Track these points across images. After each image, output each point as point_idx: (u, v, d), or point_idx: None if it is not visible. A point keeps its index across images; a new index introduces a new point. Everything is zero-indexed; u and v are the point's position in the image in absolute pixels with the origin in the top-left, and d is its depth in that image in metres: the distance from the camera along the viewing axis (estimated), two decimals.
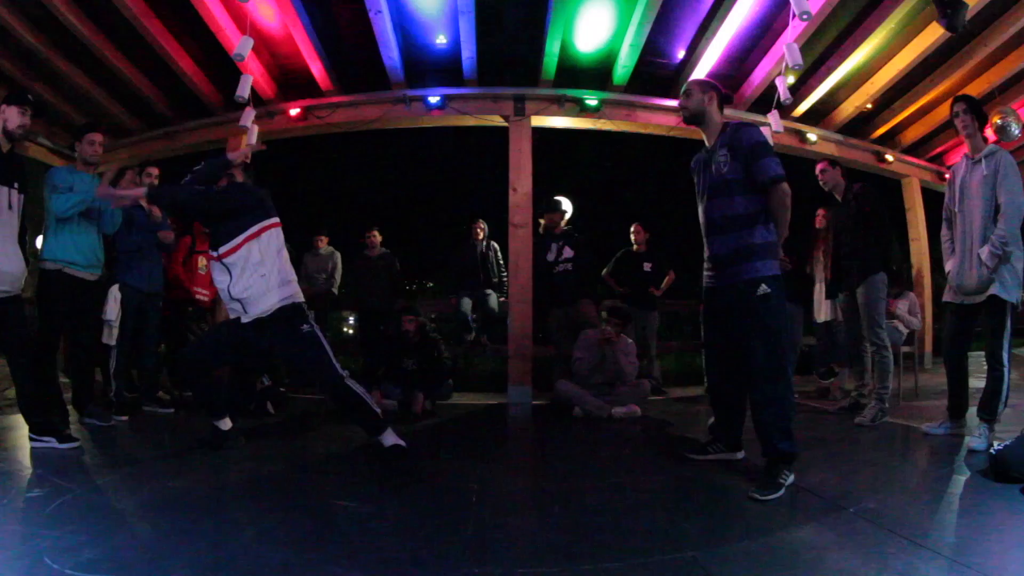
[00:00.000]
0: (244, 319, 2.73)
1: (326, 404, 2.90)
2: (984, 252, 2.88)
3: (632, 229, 5.57)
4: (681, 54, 5.29)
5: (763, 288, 2.41)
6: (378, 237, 5.72)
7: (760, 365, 2.40)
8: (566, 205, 5.13)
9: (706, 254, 2.67)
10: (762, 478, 2.32)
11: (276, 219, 2.83)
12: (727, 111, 2.76)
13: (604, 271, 5.66)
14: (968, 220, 3.02)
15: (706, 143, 2.68)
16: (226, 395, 4.06)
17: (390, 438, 2.70)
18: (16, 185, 2.83)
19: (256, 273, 2.69)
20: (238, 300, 2.70)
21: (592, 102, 5.30)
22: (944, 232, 3.22)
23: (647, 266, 5.45)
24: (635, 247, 5.55)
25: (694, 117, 2.65)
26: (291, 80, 5.43)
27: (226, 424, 2.96)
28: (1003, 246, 2.82)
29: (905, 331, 4.60)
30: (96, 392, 3.81)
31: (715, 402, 2.86)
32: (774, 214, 2.51)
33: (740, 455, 2.78)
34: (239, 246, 2.69)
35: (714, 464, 2.73)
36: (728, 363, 2.67)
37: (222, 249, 2.70)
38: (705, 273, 2.69)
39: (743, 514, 2.10)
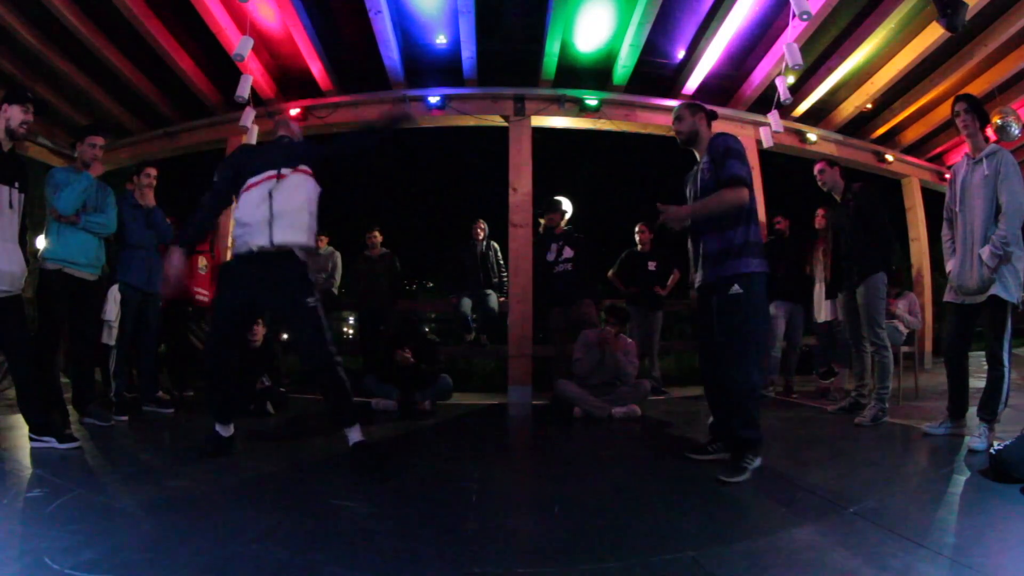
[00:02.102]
0: (262, 246, 2.63)
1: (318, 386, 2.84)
2: (985, 252, 2.88)
3: (637, 229, 5.57)
4: (681, 54, 5.30)
5: (735, 288, 2.55)
6: (379, 237, 5.72)
7: (727, 355, 2.58)
8: (566, 205, 5.12)
9: (693, 256, 2.80)
10: (729, 462, 2.52)
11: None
12: (726, 111, 2.82)
13: (610, 272, 5.66)
14: (969, 220, 3.02)
15: (697, 158, 2.82)
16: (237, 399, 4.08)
17: (356, 435, 2.66)
18: (17, 184, 2.83)
19: (300, 196, 2.71)
20: (273, 219, 2.63)
21: (592, 102, 5.30)
22: (945, 232, 3.22)
23: (651, 265, 5.45)
24: (639, 247, 5.55)
25: (688, 139, 2.81)
26: (291, 80, 5.44)
27: (228, 430, 2.87)
28: (1004, 246, 2.82)
29: (905, 331, 4.59)
30: (96, 392, 3.80)
31: (712, 401, 2.87)
32: (712, 198, 2.58)
33: None
34: (294, 171, 2.74)
35: (714, 464, 2.73)
36: (721, 362, 2.69)
37: (285, 169, 2.72)
38: (695, 275, 2.80)
39: (743, 514, 2.10)
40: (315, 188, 2.81)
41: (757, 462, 2.47)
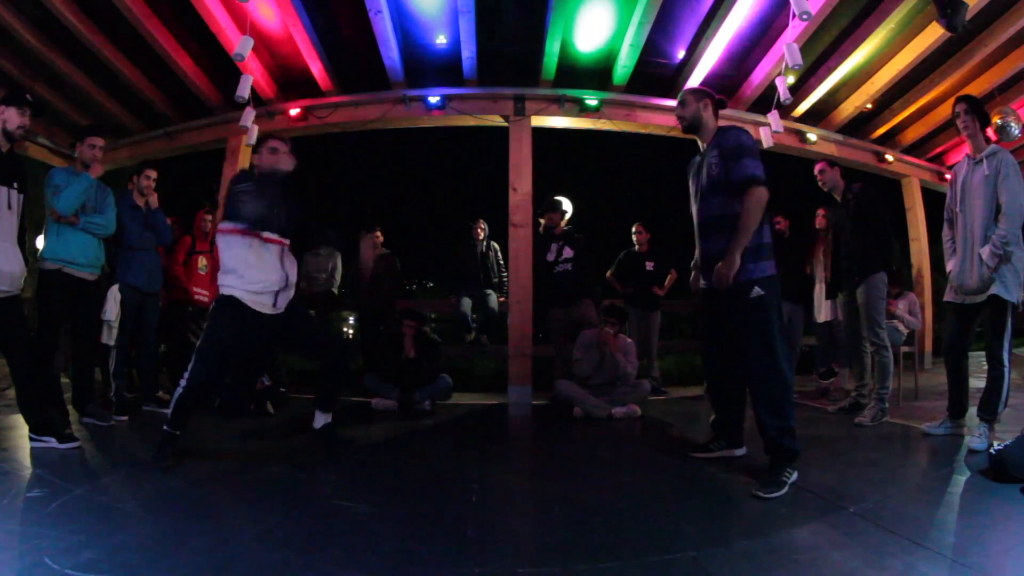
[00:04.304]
0: (273, 310, 2.71)
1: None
2: (985, 252, 2.88)
3: (634, 229, 5.57)
4: (681, 54, 5.29)
5: (756, 291, 2.42)
6: (380, 237, 5.71)
7: (756, 367, 2.43)
8: (566, 205, 5.12)
9: (698, 255, 2.70)
10: (766, 476, 2.33)
11: None
12: (726, 112, 2.75)
13: (608, 272, 5.67)
14: (969, 220, 3.02)
15: (700, 148, 2.72)
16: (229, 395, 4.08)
17: (324, 419, 2.91)
18: (16, 185, 2.83)
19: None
20: (290, 287, 2.76)
21: (592, 102, 5.30)
22: (946, 232, 3.22)
23: (649, 266, 5.46)
24: (637, 247, 5.56)
25: (691, 125, 2.70)
26: (291, 80, 5.43)
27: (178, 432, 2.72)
28: (1004, 246, 2.83)
29: (905, 331, 4.59)
30: (96, 392, 3.80)
31: (714, 399, 2.88)
32: (741, 216, 2.42)
33: (741, 451, 2.79)
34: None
35: (715, 463, 2.74)
36: (726, 361, 2.68)
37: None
38: (700, 274, 2.70)
39: (743, 514, 2.10)
40: None
41: (795, 475, 2.33)
